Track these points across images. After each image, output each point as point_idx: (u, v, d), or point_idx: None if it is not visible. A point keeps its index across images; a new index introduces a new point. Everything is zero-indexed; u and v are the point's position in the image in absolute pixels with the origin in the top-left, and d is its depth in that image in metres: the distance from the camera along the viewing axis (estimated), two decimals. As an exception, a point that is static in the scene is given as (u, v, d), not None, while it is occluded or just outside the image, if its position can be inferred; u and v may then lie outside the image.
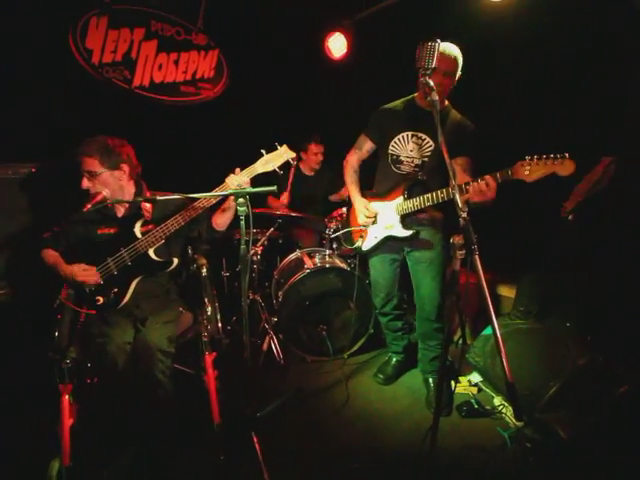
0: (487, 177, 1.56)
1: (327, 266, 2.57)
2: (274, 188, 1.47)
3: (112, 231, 1.80)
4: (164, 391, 1.67)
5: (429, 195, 1.80)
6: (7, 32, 2.27)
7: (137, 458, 1.64)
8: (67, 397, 1.62)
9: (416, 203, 1.87)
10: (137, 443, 1.68)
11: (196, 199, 1.68)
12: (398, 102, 2.02)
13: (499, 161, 1.60)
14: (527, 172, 1.47)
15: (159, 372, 1.66)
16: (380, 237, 2.08)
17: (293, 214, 2.71)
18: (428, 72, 1.30)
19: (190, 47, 2.97)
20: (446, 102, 1.94)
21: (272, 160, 1.65)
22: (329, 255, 2.72)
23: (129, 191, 1.83)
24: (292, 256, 2.81)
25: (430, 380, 2.18)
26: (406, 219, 1.98)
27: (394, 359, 2.38)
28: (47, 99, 2.42)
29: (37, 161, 2.19)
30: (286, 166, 1.69)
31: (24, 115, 2.38)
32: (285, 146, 1.67)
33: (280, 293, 2.58)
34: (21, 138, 2.33)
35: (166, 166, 2.39)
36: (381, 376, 2.33)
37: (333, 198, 3.26)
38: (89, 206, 1.63)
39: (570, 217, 2.18)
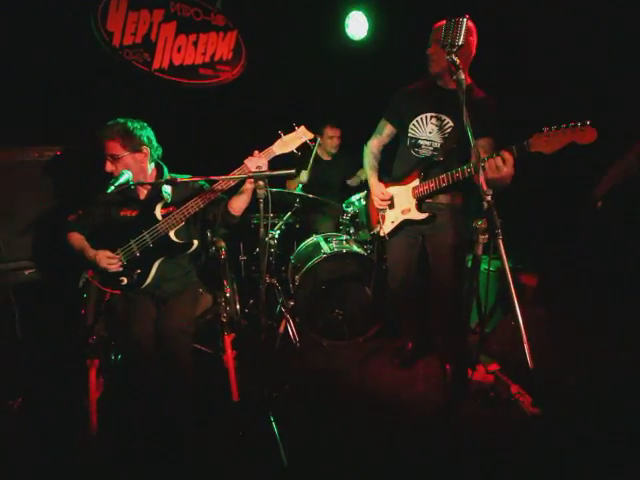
0: (503, 151, 1.51)
1: (344, 251, 2.56)
2: (293, 171, 1.48)
3: (134, 213, 1.84)
4: (184, 369, 1.72)
5: (444, 175, 1.76)
6: (33, 17, 2.31)
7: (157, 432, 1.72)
8: (94, 372, 1.71)
9: (432, 185, 1.84)
10: (158, 419, 1.75)
11: (215, 181, 1.70)
12: (417, 83, 1.98)
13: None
14: (545, 143, 1.42)
15: (180, 351, 1.71)
16: (397, 222, 2.06)
17: (310, 195, 2.69)
18: (454, 50, 1.25)
19: (209, 28, 2.94)
20: (469, 79, 1.86)
21: (290, 142, 1.64)
22: (346, 240, 2.72)
23: (150, 173, 1.85)
24: (309, 241, 2.82)
25: (447, 366, 2.17)
26: (422, 202, 1.95)
27: (409, 344, 2.39)
28: (69, 83, 2.46)
29: (62, 144, 2.24)
30: (305, 147, 1.68)
31: (47, 98, 2.43)
32: (303, 127, 1.66)
33: (297, 277, 2.59)
34: (43, 121, 2.38)
35: (185, 149, 2.42)
36: (397, 361, 2.34)
37: (351, 182, 3.25)
38: (112, 188, 1.67)
39: (599, 204, 2.10)
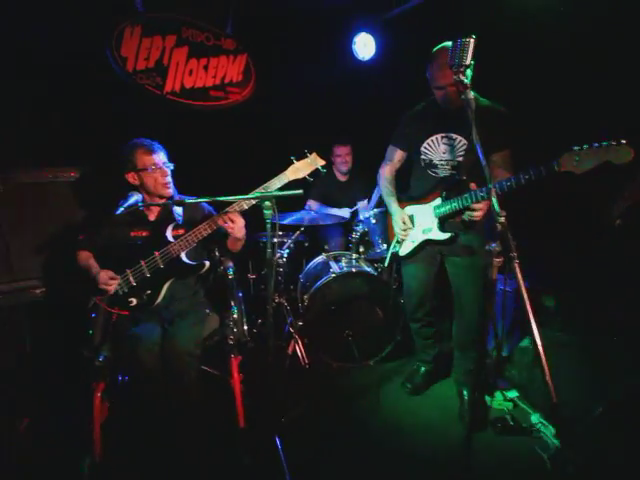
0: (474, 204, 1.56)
1: (354, 270, 2.54)
2: (300, 192, 1.51)
3: (145, 234, 1.87)
4: (190, 391, 1.70)
5: (467, 195, 1.73)
6: (49, 40, 2.43)
7: (162, 456, 1.70)
8: (99, 395, 1.70)
9: (454, 205, 1.81)
10: (163, 442, 1.73)
11: (227, 203, 1.70)
12: (419, 107, 1.99)
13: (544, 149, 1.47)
14: (576, 163, 1.34)
15: (186, 373, 1.69)
16: (418, 241, 2.02)
17: (320, 223, 2.74)
18: (462, 69, 1.27)
19: (219, 52, 3.04)
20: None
21: (302, 168, 1.68)
22: (356, 259, 2.70)
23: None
24: (318, 259, 2.82)
25: (464, 392, 2.09)
26: (445, 222, 1.92)
27: (423, 368, 2.32)
28: (83, 106, 2.56)
29: (75, 166, 2.32)
30: (316, 173, 1.71)
31: (64, 122, 2.54)
32: (315, 154, 1.69)
33: (306, 297, 2.57)
34: (60, 144, 2.47)
35: (197, 171, 2.46)
36: (409, 385, 2.27)
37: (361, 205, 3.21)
38: (121, 209, 1.71)
39: (618, 222, 2.06)
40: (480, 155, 1.22)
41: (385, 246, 2.48)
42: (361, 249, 2.73)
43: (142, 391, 1.69)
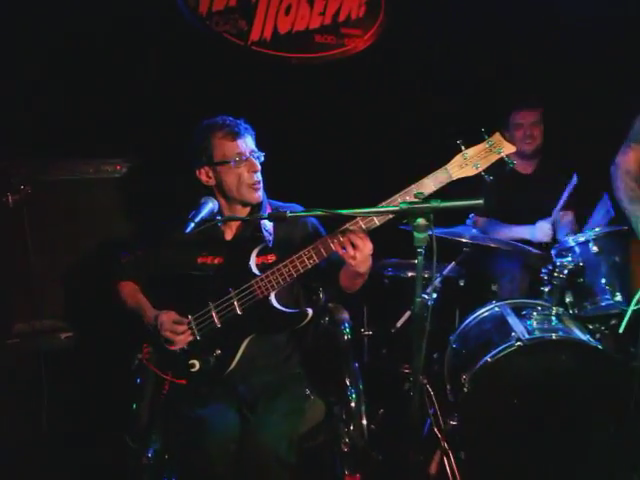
0: None
1: (554, 337, 2.35)
2: (481, 202, 1.48)
3: (217, 261, 1.92)
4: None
5: None
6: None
7: None
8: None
9: None
10: None
11: (348, 218, 1.69)
12: None
13: None
14: None
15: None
16: None
17: (492, 244, 2.69)
18: None
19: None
20: None
21: (475, 158, 1.66)
22: (558, 316, 2.48)
23: None
24: (485, 311, 2.70)
25: None
26: None
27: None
28: (133, 75, 2.78)
29: (123, 157, 2.50)
30: (497, 167, 1.70)
31: (107, 97, 2.75)
32: (498, 135, 1.68)
33: (464, 377, 2.42)
34: (103, 127, 2.69)
35: (295, 163, 2.58)
36: None
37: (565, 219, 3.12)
38: (192, 225, 1.74)
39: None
40: None
41: (620, 297, 2.38)
42: (568, 298, 2.58)
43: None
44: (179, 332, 1.82)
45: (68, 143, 2.58)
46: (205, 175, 1.92)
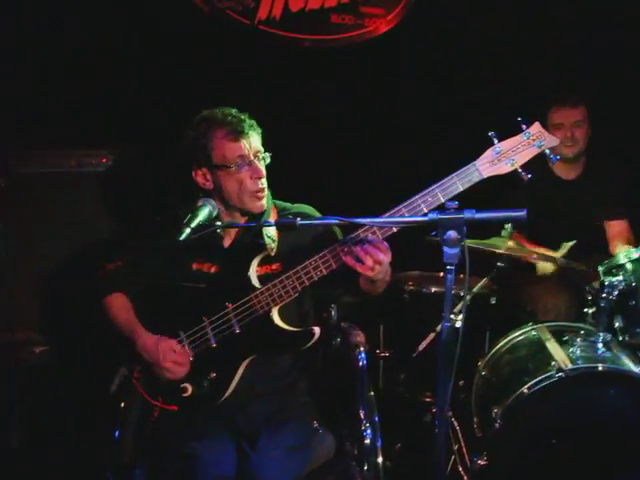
0: None
1: (600, 368, 2.25)
2: (523, 214, 1.40)
3: (213, 270, 1.87)
4: None
5: None
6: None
7: None
8: None
9: None
10: None
11: (358, 226, 1.64)
12: None
13: None
14: None
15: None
16: None
17: (531, 257, 2.69)
18: None
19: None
20: None
21: (509, 153, 1.60)
22: (605, 342, 2.35)
23: None
24: (519, 334, 2.61)
25: None
26: None
27: None
28: (122, 58, 2.68)
29: (109, 149, 2.39)
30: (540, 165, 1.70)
31: (92, 84, 2.66)
32: (538, 125, 1.61)
33: (495, 410, 2.30)
34: (87, 116, 2.60)
35: (302, 159, 2.55)
36: None
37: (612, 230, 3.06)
38: (188, 231, 1.67)
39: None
40: None
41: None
42: (617, 323, 2.47)
43: None
44: (181, 364, 1.76)
45: (47, 131, 2.49)
46: (202, 177, 1.86)
